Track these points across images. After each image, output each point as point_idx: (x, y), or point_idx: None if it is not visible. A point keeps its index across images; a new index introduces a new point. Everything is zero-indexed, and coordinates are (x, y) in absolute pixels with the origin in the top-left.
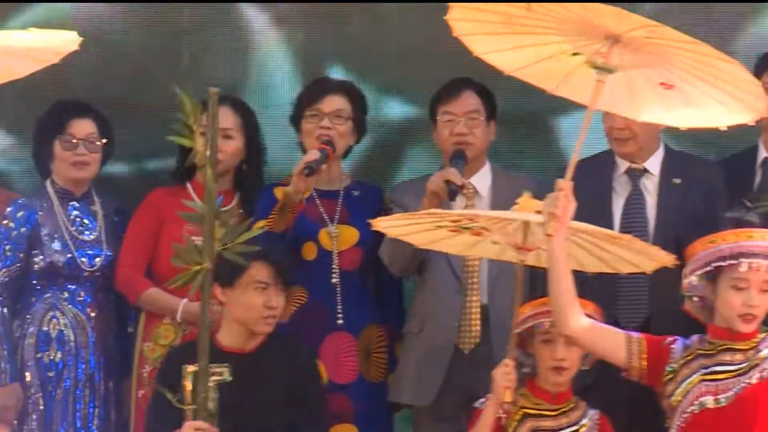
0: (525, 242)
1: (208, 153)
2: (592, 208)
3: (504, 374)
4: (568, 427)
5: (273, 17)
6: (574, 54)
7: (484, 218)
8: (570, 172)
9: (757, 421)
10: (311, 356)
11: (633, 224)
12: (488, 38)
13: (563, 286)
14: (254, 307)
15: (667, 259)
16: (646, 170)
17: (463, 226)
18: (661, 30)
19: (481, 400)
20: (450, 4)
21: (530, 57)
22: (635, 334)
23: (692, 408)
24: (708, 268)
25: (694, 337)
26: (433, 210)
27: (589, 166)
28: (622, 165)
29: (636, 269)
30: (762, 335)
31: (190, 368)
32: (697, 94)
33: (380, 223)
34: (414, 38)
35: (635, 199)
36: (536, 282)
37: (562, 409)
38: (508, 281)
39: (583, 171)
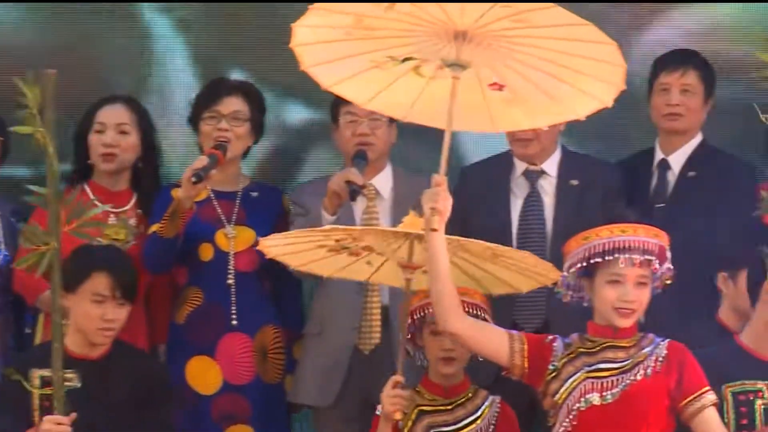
0: (410, 260)
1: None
2: (490, 210)
3: (389, 397)
4: (466, 418)
5: (172, 19)
6: (406, 60)
7: (370, 236)
8: (443, 167)
9: (643, 417)
10: (159, 365)
11: (530, 226)
12: (323, 47)
13: (444, 284)
14: (91, 317)
15: (552, 276)
16: (543, 171)
17: (344, 246)
18: (528, 16)
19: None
20: (309, 6)
21: (360, 69)
22: (516, 333)
23: (579, 405)
24: (584, 264)
25: (574, 335)
26: (322, 228)
27: (486, 168)
28: (520, 166)
29: (510, 290)
30: (641, 333)
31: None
32: (548, 86)
33: (264, 243)
34: None
35: (533, 201)
36: None
37: (457, 402)
38: None
39: (480, 173)
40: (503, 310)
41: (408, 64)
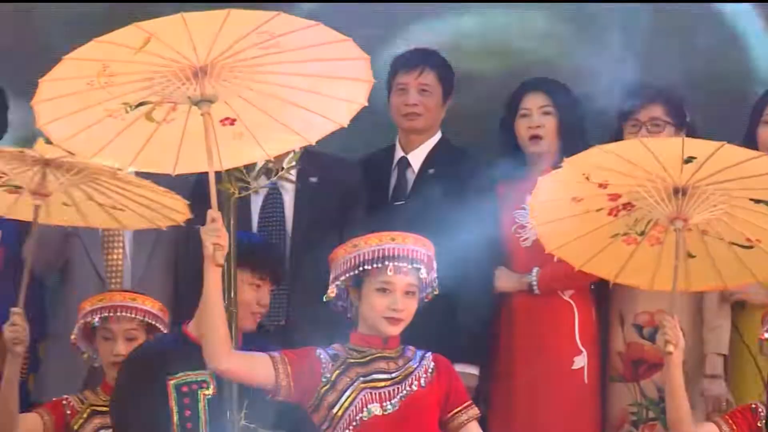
0: (41, 188)
1: None
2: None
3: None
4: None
5: None
6: (139, 105)
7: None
8: (214, 203)
9: (423, 427)
10: None
11: (270, 223)
12: (62, 101)
13: (218, 320)
14: None
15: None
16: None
17: None
18: (279, 41)
19: None
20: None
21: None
22: (278, 354)
23: (361, 415)
24: (353, 273)
25: (337, 345)
26: None
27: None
28: None
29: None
30: (402, 345)
31: None
32: (282, 113)
33: None
34: None
35: (272, 198)
36: None
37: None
38: (156, 280)
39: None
40: None
41: (141, 110)
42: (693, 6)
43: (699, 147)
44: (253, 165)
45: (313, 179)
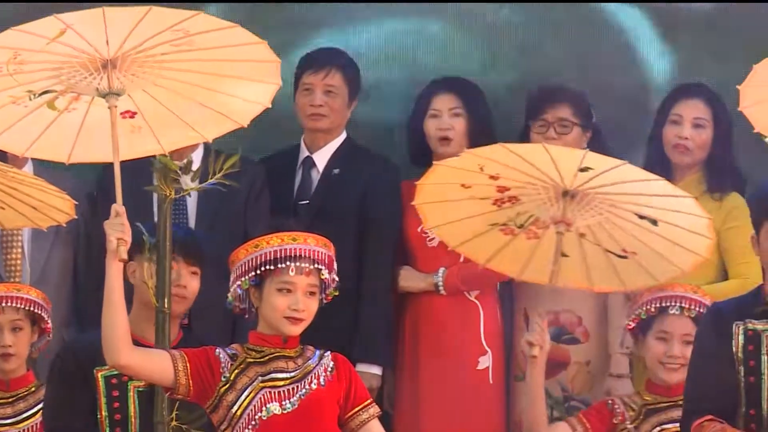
0: None
1: None
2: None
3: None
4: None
5: None
6: (44, 93)
7: None
8: (119, 197)
9: (322, 425)
10: None
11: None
12: None
13: (118, 314)
14: None
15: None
16: None
17: None
18: (192, 39)
19: None
20: None
21: None
22: (178, 352)
23: (261, 414)
24: (255, 273)
25: (235, 345)
26: None
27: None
28: None
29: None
30: (302, 345)
31: None
32: (183, 109)
33: None
34: None
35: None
36: None
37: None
38: (53, 279)
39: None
40: None
41: (44, 98)
42: (588, 15)
43: (599, 161)
44: (189, 166)
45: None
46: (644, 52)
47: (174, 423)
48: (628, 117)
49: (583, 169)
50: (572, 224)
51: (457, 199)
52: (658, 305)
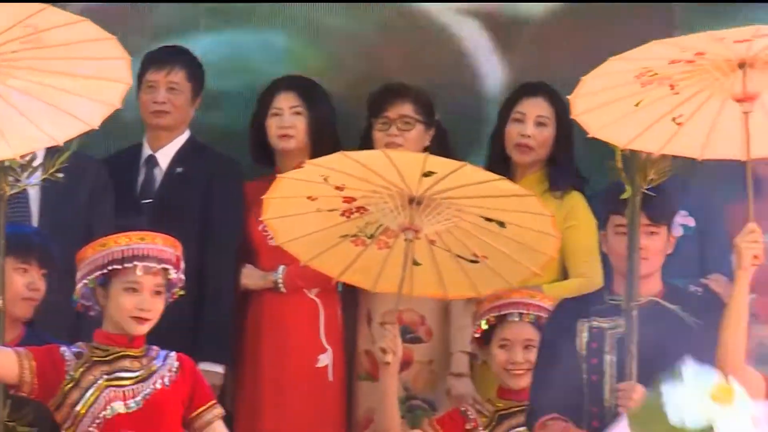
0: None
1: None
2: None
3: None
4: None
5: None
6: None
7: None
8: None
9: (165, 425)
10: None
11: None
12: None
13: None
14: None
15: None
16: None
17: None
18: (40, 36)
19: None
20: None
21: None
22: (23, 350)
23: (104, 413)
24: (102, 272)
25: (81, 344)
26: None
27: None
28: None
29: None
30: (148, 345)
31: None
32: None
33: None
34: None
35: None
36: None
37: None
38: None
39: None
40: None
41: None
42: (420, 21)
43: (441, 164)
44: (30, 162)
45: (60, 175)
46: (478, 58)
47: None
48: (461, 120)
49: (426, 174)
50: (420, 231)
51: (304, 212)
52: (497, 314)
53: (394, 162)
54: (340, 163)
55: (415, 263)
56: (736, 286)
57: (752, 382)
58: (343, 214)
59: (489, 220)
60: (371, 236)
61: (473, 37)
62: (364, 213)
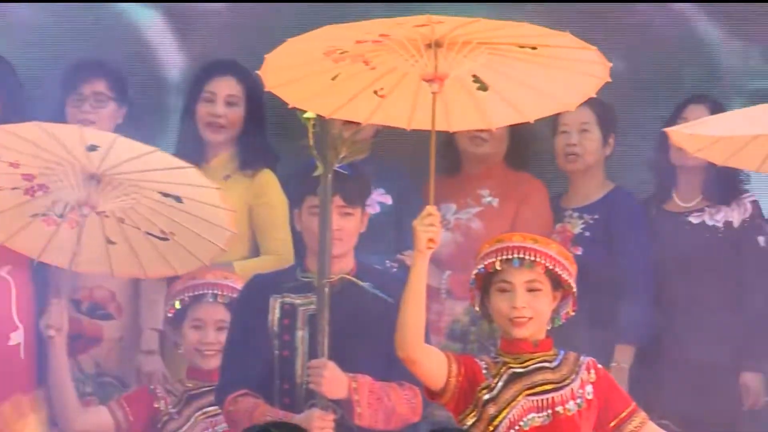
0: None
1: None
2: None
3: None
4: None
5: None
6: None
7: None
8: None
9: None
10: None
11: None
12: None
13: None
14: None
15: None
16: None
17: None
18: None
19: None
20: None
21: None
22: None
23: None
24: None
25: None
26: None
27: None
28: None
29: None
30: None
31: None
32: None
33: None
34: None
35: None
36: None
37: None
38: None
39: None
40: None
41: None
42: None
43: (98, 137)
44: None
45: None
46: (160, 50)
47: None
48: (143, 110)
49: (90, 148)
50: (97, 207)
51: None
52: (191, 294)
53: (53, 134)
54: (6, 138)
55: (110, 242)
56: (413, 267)
57: (433, 361)
58: (26, 193)
59: (166, 195)
60: (61, 215)
61: (154, 27)
62: (47, 191)
